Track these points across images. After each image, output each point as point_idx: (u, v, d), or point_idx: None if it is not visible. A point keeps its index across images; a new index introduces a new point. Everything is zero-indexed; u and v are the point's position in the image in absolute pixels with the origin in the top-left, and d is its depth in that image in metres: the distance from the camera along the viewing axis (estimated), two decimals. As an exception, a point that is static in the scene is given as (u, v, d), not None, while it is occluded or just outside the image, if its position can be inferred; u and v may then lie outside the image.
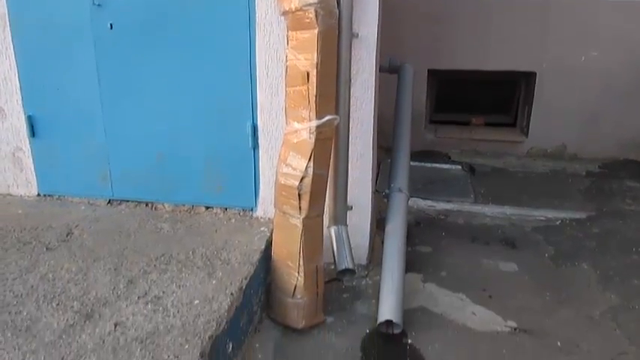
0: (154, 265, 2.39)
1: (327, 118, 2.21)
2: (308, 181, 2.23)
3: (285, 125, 2.33)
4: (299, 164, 2.24)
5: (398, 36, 4.28)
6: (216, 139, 2.75)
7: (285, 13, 2.21)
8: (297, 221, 2.30)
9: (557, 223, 3.60)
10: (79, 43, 2.73)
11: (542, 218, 3.65)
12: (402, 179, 2.94)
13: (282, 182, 2.30)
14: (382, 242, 2.76)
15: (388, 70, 3.53)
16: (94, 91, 2.81)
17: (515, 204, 3.85)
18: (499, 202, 3.88)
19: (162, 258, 2.45)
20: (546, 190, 4.14)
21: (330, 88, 2.27)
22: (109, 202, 3.02)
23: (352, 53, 2.40)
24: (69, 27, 2.72)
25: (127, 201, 3.00)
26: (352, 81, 2.47)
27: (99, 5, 2.65)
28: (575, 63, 4.51)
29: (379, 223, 3.12)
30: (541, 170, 4.60)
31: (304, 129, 2.21)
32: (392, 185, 2.93)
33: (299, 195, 2.25)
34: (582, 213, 3.71)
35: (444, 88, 5.10)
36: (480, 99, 5.11)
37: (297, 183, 2.24)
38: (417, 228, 3.50)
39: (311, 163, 2.21)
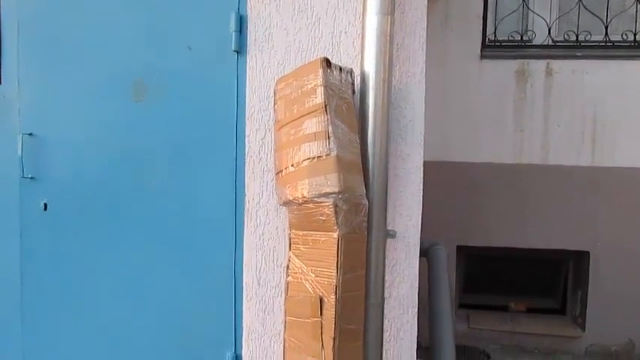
0: None
1: (351, 374, 1.34)
2: None
3: (283, 373, 1.45)
4: None
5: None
6: (182, 373, 1.86)
7: (287, 204, 1.45)
8: None
9: None
10: (0, 229, 1.97)
11: None
12: None
13: None
14: None
15: (416, 254, 2.74)
16: (13, 299, 2.00)
17: None
18: None
19: None
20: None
21: (356, 320, 1.42)
22: None
23: (386, 259, 1.60)
24: (-10, 207, 1.99)
25: None
26: (386, 297, 1.64)
27: (32, 178, 1.93)
28: (638, 243, 3.73)
29: None
30: (609, 377, 3.58)
31: (314, 393, 1.33)
32: None
33: None
34: None
35: (474, 266, 4.26)
36: (517, 279, 4.24)
37: None
38: None
39: None
